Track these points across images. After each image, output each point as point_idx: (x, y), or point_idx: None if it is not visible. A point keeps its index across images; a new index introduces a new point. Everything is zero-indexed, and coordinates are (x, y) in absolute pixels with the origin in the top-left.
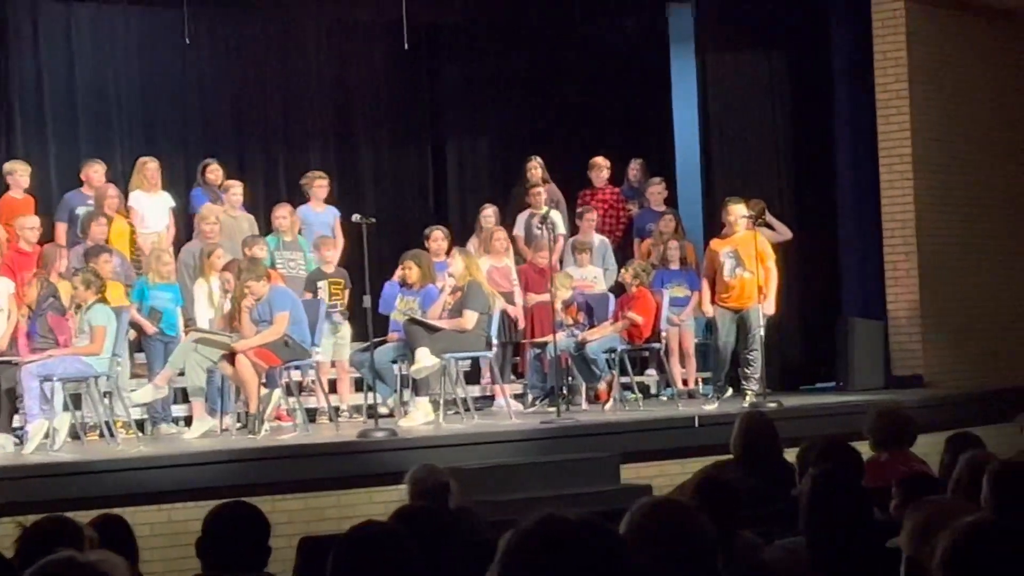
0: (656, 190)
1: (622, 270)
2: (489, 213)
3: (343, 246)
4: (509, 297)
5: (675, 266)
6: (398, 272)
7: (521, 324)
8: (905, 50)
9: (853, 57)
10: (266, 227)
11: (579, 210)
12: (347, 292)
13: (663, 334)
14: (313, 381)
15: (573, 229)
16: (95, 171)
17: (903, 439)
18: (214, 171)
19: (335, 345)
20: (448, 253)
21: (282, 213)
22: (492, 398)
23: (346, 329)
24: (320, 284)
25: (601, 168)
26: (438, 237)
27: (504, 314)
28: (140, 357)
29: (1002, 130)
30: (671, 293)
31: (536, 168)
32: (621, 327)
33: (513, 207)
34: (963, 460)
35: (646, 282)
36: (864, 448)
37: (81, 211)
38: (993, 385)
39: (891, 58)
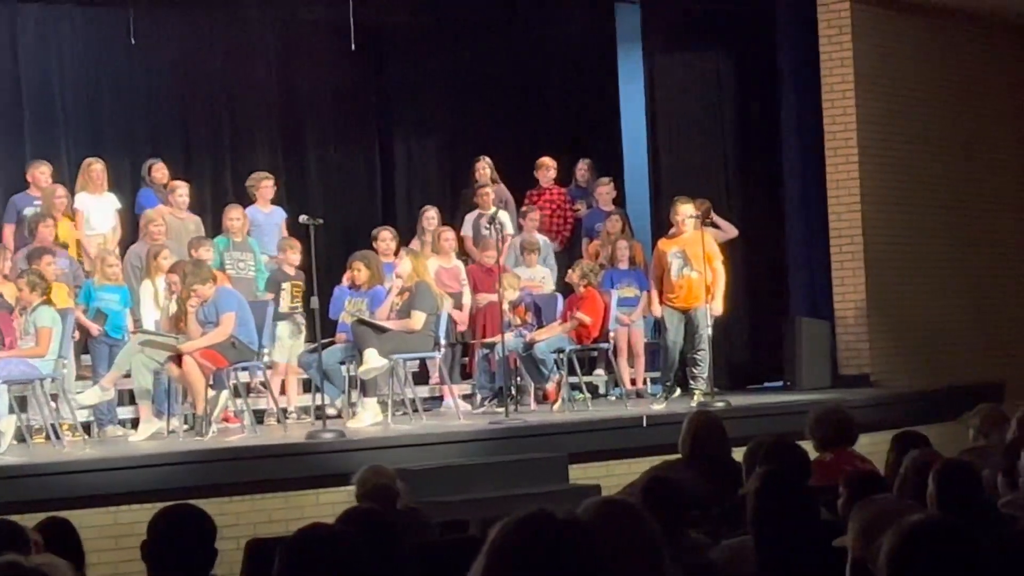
0: (605, 190)
1: (570, 270)
2: (432, 215)
3: None
4: (458, 298)
5: (624, 266)
6: (347, 275)
7: (463, 327)
8: (851, 50)
9: (799, 57)
10: (213, 228)
11: (523, 209)
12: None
13: (611, 334)
14: (261, 382)
15: (520, 229)
16: (41, 172)
17: (845, 438)
18: (160, 170)
19: (292, 347)
20: (396, 254)
21: (235, 215)
22: (440, 399)
23: (308, 332)
24: (284, 286)
25: (548, 168)
26: (386, 238)
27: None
28: (86, 359)
29: (946, 129)
30: (621, 293)
31: (485, 168)
32: (569, 327)
33: (462, 207)
34: (909, 459)
35: (594, 282)
36: (811, 447)
37: (29, 212)
38: (939, 384)
39: (836, 58)
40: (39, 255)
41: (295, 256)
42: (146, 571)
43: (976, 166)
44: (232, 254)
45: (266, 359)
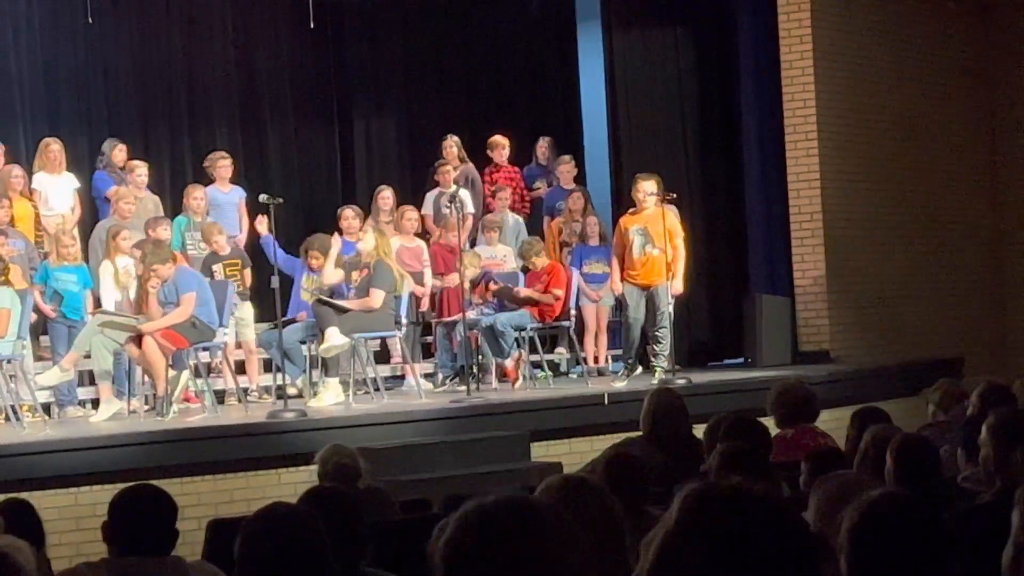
0: (566, 168)
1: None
2: (387, 195)
3: (248, 226)
4: (419, 277)
5: (594, 242)
6: (309, 262)
7: (424, 306)
8: (810, 27)
9: (759, 34)
10: (173, 208)
11: (492, 188)
12: (247, 271)
13: (572, 312)
14: (221, 362)
15: (486, 208)
16: None
17: (806, 415)
18: (119, 151)
19: (236, 325)
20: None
21: (199, 194)
22: (402, 377)
23: (247, 309)
24: (215, 267)
25: (502, 146)
26: (348, 216)
27: (412, 294)
28: (44, 340)
29: (904, 105)
30: (590, 269)
31: (452, 147)
32: (538, 297)
33: (427, 185)
34: (868, 434)
35: (538, 253)
36: (772, 424)
37: None
38: (899, 360)
39: (796, 35)
40: None
41: (218, 238)
42: (107, 551)
43: (934, 143)
44: (193, 234)
45: (224, 339)
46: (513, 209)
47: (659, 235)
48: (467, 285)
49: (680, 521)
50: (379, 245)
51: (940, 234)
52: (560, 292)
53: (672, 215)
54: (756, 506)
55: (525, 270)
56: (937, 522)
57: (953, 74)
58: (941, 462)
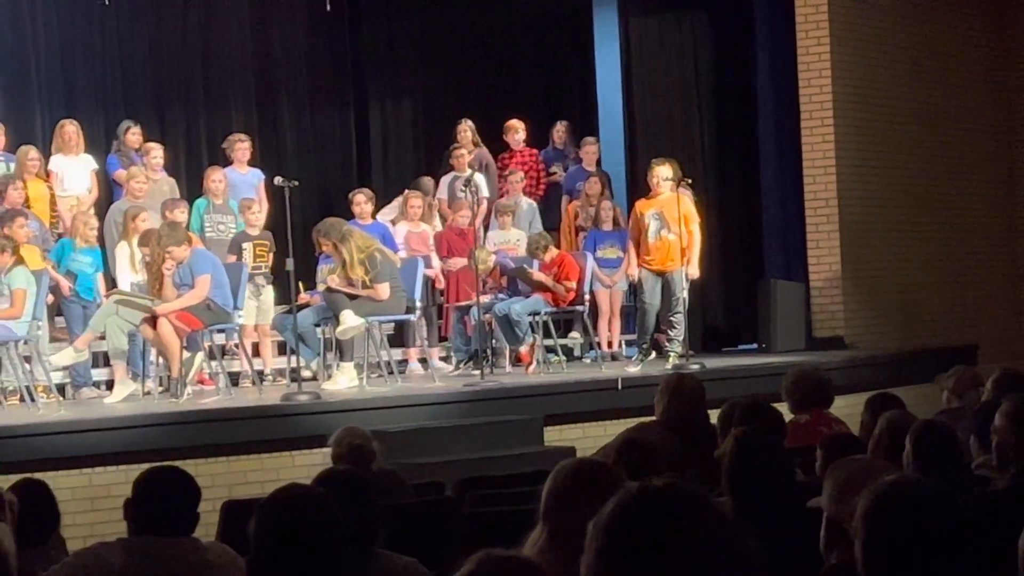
0: (591, 150)
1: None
2: (417, 202)
3: (267, 209)
4: (426, 262)
5: (608, 227)
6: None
7: (440, 284)
8: (827, 12)
9: (775, 18)
10: (188, 190)
11: (505, 172)
12: (272, 255)
13: (586, 297)
14: (236, 345)
15: (501, 193)
16: None
17: (821, 400)
18: (134, 133)
19: (258, 309)
20: (373, 216)
21: (218, 176)
22: (406, 362)
23: (269, 293)
24: (245, 246)
25: (517, 130)
26: (360, 201)
27: (425, 277)
28: (59, 321)
29: (921, 91)
30: (603, 254)
31: (466, 131)
32: (551, 284)
33: (440, 170)
34: (883, 420)
35: (544, 248)
36: (786, 409)
37: None
38: (913, 346)
39: (812, 20)
40: (11, 217)
41: (255, 216)
42: (126, 530)
43: (951, 130)
44: (212, 216)
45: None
46: (529, 193)
47: (675, 220)
48: (483, 276)
49: (611, 519)
50: (357, 247)
51: (956, 220)
52: (572, 284)
53: (688, 200)
54: (682, 506)
55: None
56: (955, 507)
57: (971, 61)
58: (961, 449)
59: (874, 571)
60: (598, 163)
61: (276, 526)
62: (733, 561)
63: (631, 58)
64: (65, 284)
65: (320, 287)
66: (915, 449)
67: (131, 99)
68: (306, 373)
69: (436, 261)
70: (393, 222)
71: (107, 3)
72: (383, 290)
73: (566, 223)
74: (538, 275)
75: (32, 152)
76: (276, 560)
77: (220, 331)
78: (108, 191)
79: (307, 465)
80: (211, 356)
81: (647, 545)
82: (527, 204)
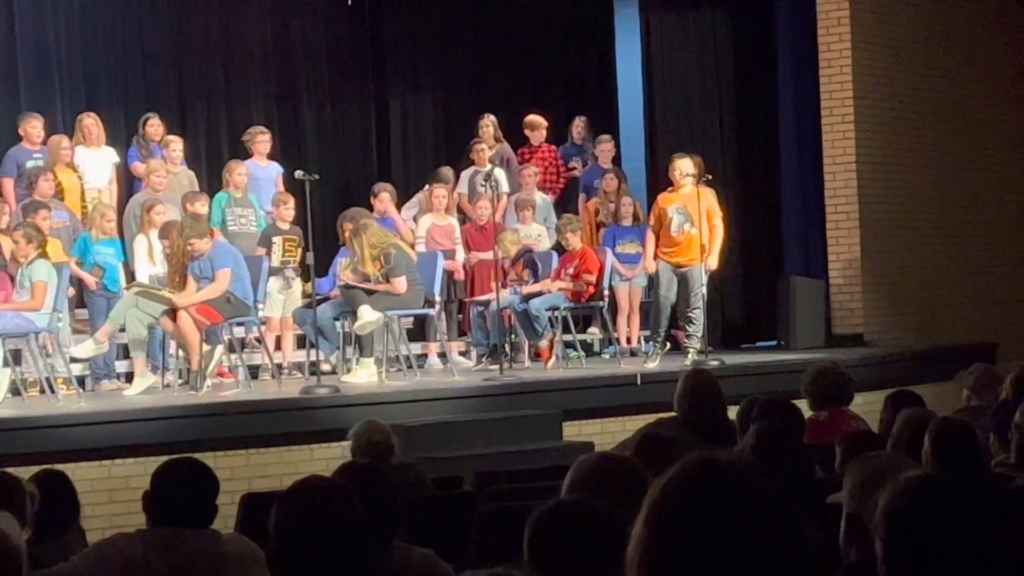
0: (606, 147)
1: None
2: (442, 192)
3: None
4: (450, 255)
5: (628, 222)
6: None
7: (459, 276)
8: (848, 9)
9: (796, 16)
10: (209, 183)
11: (520, 167)
12: (300, 250)
13: (605, 292)
14: (256, 338)
15: (518, 187)
16: (32, 126)
17: (841, 397)
18: (154, 126)
19: (286, 302)
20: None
21: (241, 170)
22: (425, 356)
23: (298, 286)
24: (275, 240)
25: (537, 126)
26: (384, 199)
27: (445, 271)
28: (80, 313)
29: (942, 89)
30: (623, 249)
31: (488, 126)
32: (570, 287)
33: (461, 165)
34: (902, 418)
35: (574, 230)
36: (805, 407)
37: (30, 165)
38: (933, 344)
39: (834, 17)
40: (35, 208)
41: (288, 211)
42: (144, 522)
43: (972, 128)
44: (233, 209)
45: (261, 314)
46: (548, 188)
47: (697, 215)
48: (506, 264)
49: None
50: (372, 242)
51: (975, 218)
52: (591, 277)
53: (710, 195)
54: (748, 477)
55: (559, 248)
56: (975, 504)
57: (993, 60)
58: (981, 448)
59: (895, 568)
60: (614, 160)
61: (296, 518)
62: (794, 540)
63: (651, 53)
64: (91, 279)
65: (339, 279)
66: (934, 447)
67: (152, 92)
68: (325, 367)
69: (461, 254)
70: (415, 218)
71: None
72: (400, 284)
73: (585, 220)
74: (556, 285)
75: (64, 141)
76: (296, 552)
77: (239, 324)
78: (129, 184)
79: (326, 459)
80: (231, 349)
81: (708, 518)
82: (541, 199)
